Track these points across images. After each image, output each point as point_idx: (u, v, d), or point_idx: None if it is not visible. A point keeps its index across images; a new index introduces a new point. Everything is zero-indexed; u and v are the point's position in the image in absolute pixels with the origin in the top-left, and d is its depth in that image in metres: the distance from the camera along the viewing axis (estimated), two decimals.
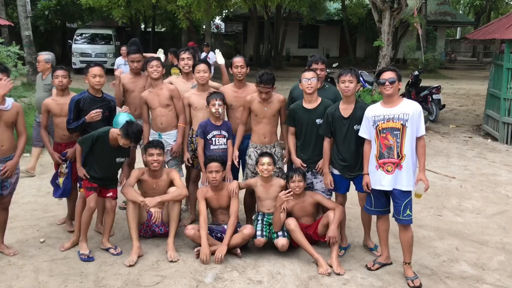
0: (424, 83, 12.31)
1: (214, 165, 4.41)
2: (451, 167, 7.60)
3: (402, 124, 3.82)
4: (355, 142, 4.19)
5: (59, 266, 4.12)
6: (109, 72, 6.66)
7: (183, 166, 5.14)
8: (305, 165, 4.48)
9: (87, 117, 4.40)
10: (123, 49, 10.46)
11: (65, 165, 4.59)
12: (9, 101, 4.12)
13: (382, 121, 3.90)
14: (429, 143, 9.09)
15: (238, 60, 4.79)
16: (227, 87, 4.93)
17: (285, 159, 4.75)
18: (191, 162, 4.95)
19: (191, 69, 5.03)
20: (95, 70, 4.49)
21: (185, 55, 5.16)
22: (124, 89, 5.15)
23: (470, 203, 5.95)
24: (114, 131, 4.21)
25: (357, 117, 4.16)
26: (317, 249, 4.33)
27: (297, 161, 4.52)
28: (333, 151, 4.36)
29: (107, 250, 4.38)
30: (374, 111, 3.97)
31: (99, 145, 4.23)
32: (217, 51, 6.01)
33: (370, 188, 4.02)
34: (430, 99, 11.39)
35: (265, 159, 4.44)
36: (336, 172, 4.37)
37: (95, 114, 4.39)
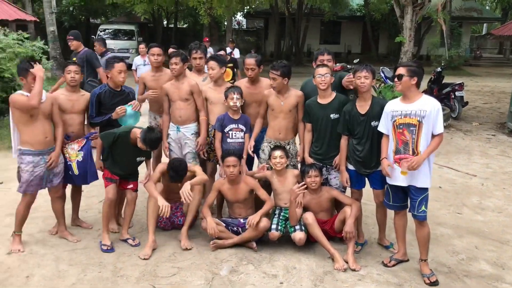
0: (447, 80, 12.13)
1: (231, 160, 4.44)
2: (472, 165, 7.48)
3: (418, 121, 3.79)
4: (371, 139, 4.18)
5: (79, 255, 4.21)
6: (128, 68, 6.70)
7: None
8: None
9: (114, 114, 4.48)
10: (142, 47, 10.14)
11: (71, 147, 4.47)
12: (44, 94, 4.19)
13: (400, 116, 3.88)
14: (450, 140, 8.96)
15: (249, 62, 4.77)
16: (241, 82, 4.96)
17: (299, 157, 4.72)
18: (206, 155, 4.99)
19: (204, 66, 5.11)
20: (121, 65, 4.56)
21: (196, 54, 5.21)
22: (146, 87, 5.17)
23: (491, 202, 5.85)
24: (136, 132, 4.25)
25: (374, 113, 4.14)
26: (333, 245, 4.32)
27: (309, 161, 4.53)
28: (349, 146, 4.35)
29: (125, 241, 4.45)
30: (393, 106, 3.96)
31: (120, 143, 4.29)
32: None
33: (390, 184, 3.99)
34: (453, 96, 11.21)
35: (277, 152, 4.46)
36: (351, 167, 4.36)
37: (120, 110, 4.46)
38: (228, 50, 14.65)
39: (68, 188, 4.77)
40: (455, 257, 4.38)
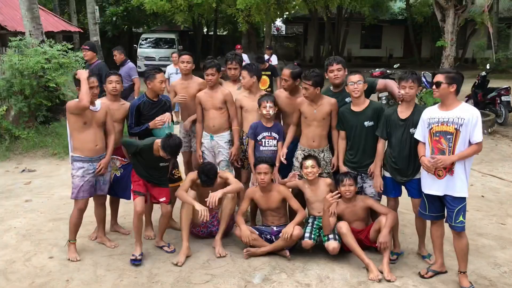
0: (495, 84, 11.68)
1: (263, 167, 4.45)
2: None
3: (455, 129, 3.68)
4: (409, 146, 4.10)
5: (116, 261, 4.32)
6: None
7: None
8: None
9: (151, 124, 4.57)
10: (174, 55, 10.00)
11: (113, 161, 4.63)
12: (98, 102, 4.38)
13: (436, 124, 3.78)
14: (495, 147, 8.62)
15: (284, 73, 4.74)
16: (281, 92, 4.94)
17: (334, 166, 4.65)
18: (240, 163, 5.01)
19: (238, 76, 5.15)
20: (162, 76, 4.65)
21: (232, 65, 5.23)
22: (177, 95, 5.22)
23: None
24: (158, 142, 4.27)
25: (414, 120, 4.07)
26: (368, 254, 4.24)
27: (344, 169, 4.49)
28: (386, 153, 4.27)
29: (161, 247, 4.53)
30: (430, 114, 3.87)
31: (142, 154, 4.34)
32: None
33: (426, 193, 3.89)
34: (499, 101, 10.79)
35: (308, 162, 4.44)
36: (387, 175, 4.29)
37: (159, 122, 4.55)
38: (266, 57, 14.67)
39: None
40: (497, 269, 4.21)
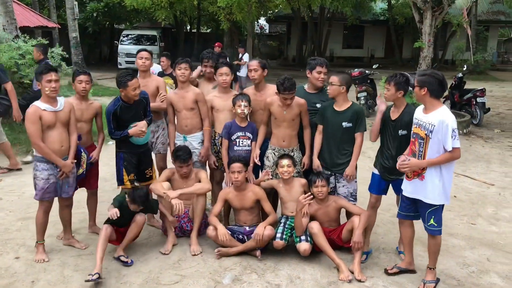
0: (472, 85, 11.87)
1: (236, 166, 4.43)
2: (490, 173, 7.29)
3: (426, 134, 3.67)
4: (397, 146, 4.11)
5: (85, 261, 4.25)
6: None
7: (207, 167, 5.17)
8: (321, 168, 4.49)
9: (131, 132, 4.41)
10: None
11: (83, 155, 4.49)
12: (61, 101, 4.18)
13: (415, 126, 3.81)
14: (469, 148, 8.75)
15: (251, 64, 4.78)
16: (248, 89, 4.95)
17: (304, 164, 4.66)
18: (216, 164, 4.99)
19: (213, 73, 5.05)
20: (136, 82, 4.37)
21: (208, 63, 5.19)
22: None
23: (507, 212, 5.67)
24: (126, 197, 4.28)
25: (403, 121, 4.07)
26: (340, 254, 4.26)
27: (317, 162, 4.49)
28: (377, 151, 4.34)
29: (118, 258, 4.26)
30: (416, 113, 3.88)
31: (121, 211, 4.23)
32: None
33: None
34: (474, 102, 10.97)
35: (285, 161, 4.43)
36: (376, 172, 4.32)
37: (140, 133, 4.43)
38: (240, 56, 14.69)
39: (84, 196, 4.87)
40: (465, 269, 4.26)
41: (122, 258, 4.23)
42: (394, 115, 4.14)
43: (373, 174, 4.37)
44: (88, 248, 4.50)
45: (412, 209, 3.94)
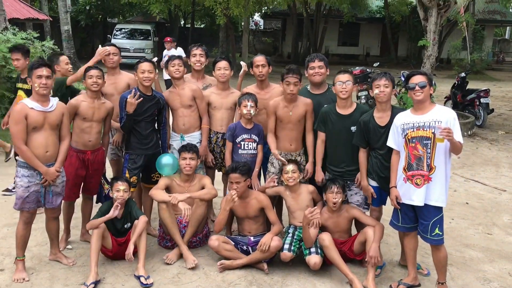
0: (469, 85, 11.61)
1: (233, 176, 4.09)
2: (501, 178, 7.02)
3: (433, 133, 3.44)
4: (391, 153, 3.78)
5: (76, 274, 3.89)
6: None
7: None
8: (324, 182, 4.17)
9: (127, 108, 4.14)
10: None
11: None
12: (53, 101, 3.76)
13: (412, 130, 3.53)
14: (476, 150, 8.49)
15: (259, 59, 4.48)
16: (250, 88, 4.62)
17: (308, 172, 4.30)
18: (214, 162, 4.70)
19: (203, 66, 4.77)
20: (144, 65, 4.27)
21: (197, 51, 4.74)
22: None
23: None
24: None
25: None
26: (351, 267, 3.96)
27: (320, 176, 4.19)
28: (371, 161, 3.98)
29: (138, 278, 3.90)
30: (404, 119, 3.60)
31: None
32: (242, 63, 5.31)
33: (401, 202, 3.64)
34: (478, 103, 10.71)
35: (289, 167, 4.13)
36: (373, 183, 3.99)
37: (131, 102, 4.11)
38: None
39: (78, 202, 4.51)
40: (486, 285, 3.97)
41: (142, 280, 3.76)
42: (382, 121, 3.84)
43: (370, 186, 4.03)
44: (80, 258, 4.14)
45: (413, 220, 3.68)
